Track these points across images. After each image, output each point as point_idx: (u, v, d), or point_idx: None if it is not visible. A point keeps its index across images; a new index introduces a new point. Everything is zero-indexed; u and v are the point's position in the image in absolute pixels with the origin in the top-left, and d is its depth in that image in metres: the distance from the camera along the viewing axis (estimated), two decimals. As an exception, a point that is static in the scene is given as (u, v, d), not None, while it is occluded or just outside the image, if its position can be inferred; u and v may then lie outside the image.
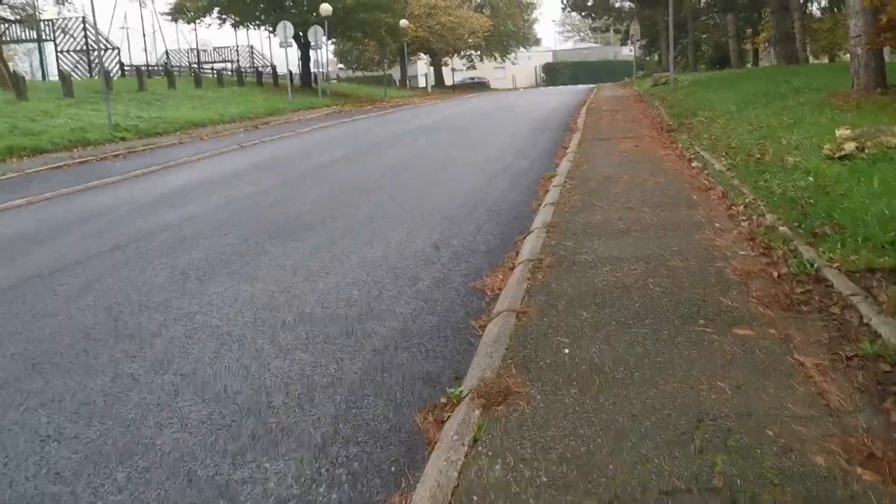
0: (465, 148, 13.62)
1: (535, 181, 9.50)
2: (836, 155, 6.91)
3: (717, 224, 5.95)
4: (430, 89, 63.49)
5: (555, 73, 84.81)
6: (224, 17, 38.20)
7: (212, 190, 10.03)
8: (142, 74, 28.90)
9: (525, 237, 6.32)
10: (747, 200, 6.47)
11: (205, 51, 59.99)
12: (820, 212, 5.41)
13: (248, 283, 5.44)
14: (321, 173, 11.02)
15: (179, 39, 57.21)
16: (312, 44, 34.87)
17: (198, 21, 39.60)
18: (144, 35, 47.81)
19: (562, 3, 51.77)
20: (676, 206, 6.78)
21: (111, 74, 28.43)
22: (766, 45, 49.87)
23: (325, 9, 34.04)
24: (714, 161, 9.01)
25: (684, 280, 4.53)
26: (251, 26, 39.04)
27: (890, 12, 10.78)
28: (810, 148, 8.31)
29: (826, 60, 39.52)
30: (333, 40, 49.38)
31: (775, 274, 4.48)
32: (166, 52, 60.07)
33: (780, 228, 5.35)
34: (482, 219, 7.28)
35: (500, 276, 5.26)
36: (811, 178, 6.64)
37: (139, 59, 56.11)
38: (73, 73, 41.28)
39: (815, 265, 4.44)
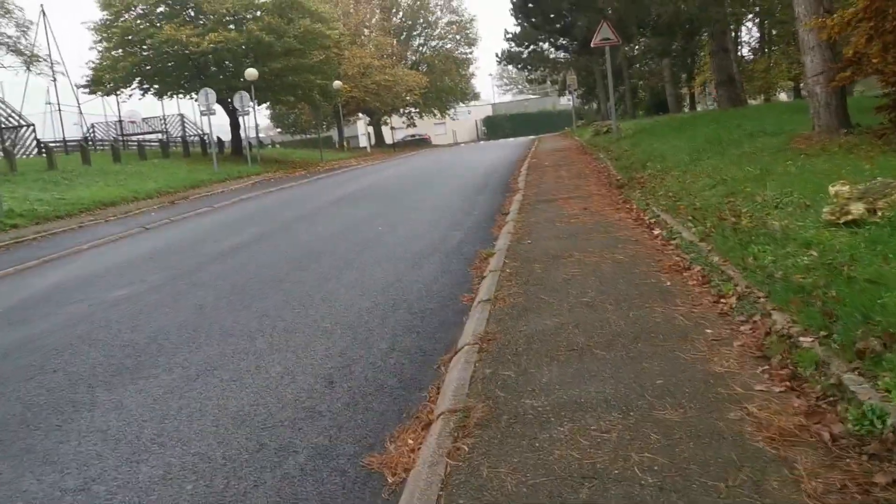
0: (394, 220, 12.01)
1: (469, 261, 7.88)
2: (841, 220, 5.44)
3: (707, 330, 4.36)
4: (369, 149, 62.31)
5: (495, 126, 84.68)
6: (146, 87, 36.41)
7: (77, 294, 8.17)
8: (51, 152, 26.81)
9: (452, 358, 4.64)
10: (739, 289, 4.91)
11: (132, 122, 58.01)
12: (852, 311, 3.86)
13: (31, 473, 3.62)
14: (217, 265, 9.23)
15: (107, 111, 54.59)
16: (239, 110, 33.25)
17: (118, 93, 37.72)
18: (60, 109, 45.40)
19: (497, 56, 51.11)
20: (647, 298, 5.19)
21: (18, 153, 26.34)
22: (702, 88, 50.09)
23: (251, 73, 32.59)
24: (680, 228, 7.52)
25: (687, 456, 2.89)
26: (176, 96, 37.26)
27: (855, 43, 9.64)
28: (795, 207, 6.87)
29: (762, 100, 39.46)
30: (267, 105, 47.85)
31: (826, 435, 2.87)
32: (91, 126, 57.89)
33: (803, 341, 3.77)
34: (399, 328, 5.59)
35: (411, 441, 3.55)
36: (814, 254, 5.14)
37: (70, 135, 53.68)
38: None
39: (888, 419, 2.84)
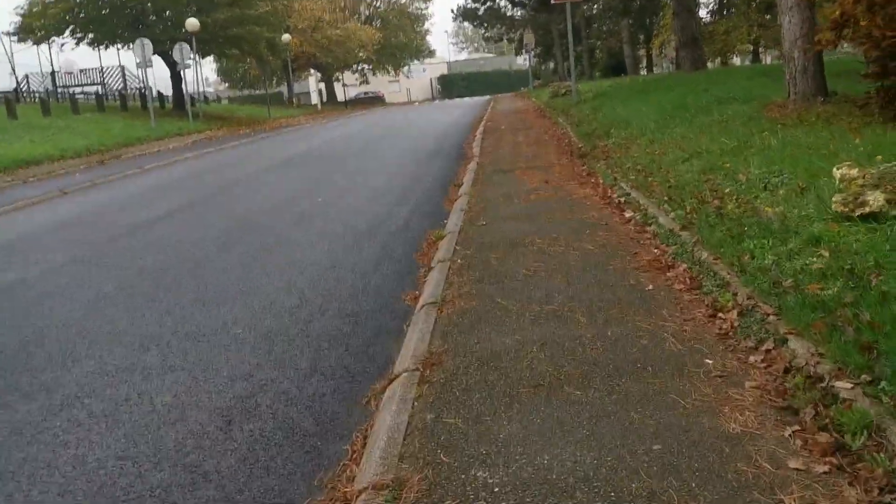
0: (337, 189, 10.90)
1: (415, 244, 6.88)
2: (856, 212, 4.56)
3: (707, 360, 3.45)
4: (320, 107, 60.38)
5: (450, 85, 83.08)
6: (79, 36, 34.13)
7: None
8: (-29, 105, 24.80)
9: (386, 387, 3.66)
10: (740, 300, 4.01)
11: (69, 73, 55.07)
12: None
13: None
14: (131, 241, 8.06)
15: (42, 62, 51.82)
16: (179, 63, 31.38)
17: (49, 41, 35.38)
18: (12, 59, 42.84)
19: (452, 12, 49.58)
20: (627, 308, 4.27)
21: None
22: (660, 50, 49.31)
23: (192, 24, 30.71)
24: (656, 211, 6.61)
25: None
26: (113, 46, 35.06)
27: (842, 2, 8.76)
28: (788, 191, 5.99)
29: (718, 64, 38.81)
30: (212, 58, 45.66)
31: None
32: (25, 77, 54.85)
33: (839, 387, 2.87)
34: (326, 339, 4.57)
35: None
36: (825, 254, 4.25)
37: (3, 86, 50.67)
38: None
39: None
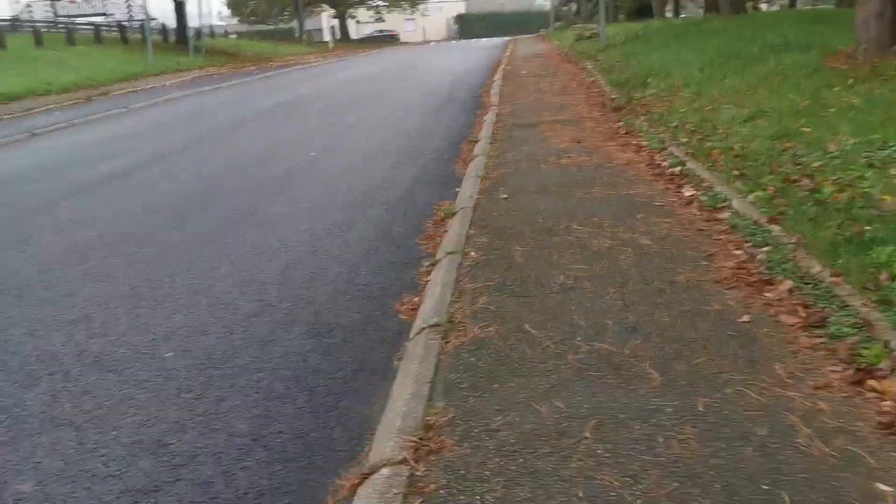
0: (334, 140, 9.49)
1: (419, 223, 5.49)
2: None
3: (881, 488, 2.08)
4: (332, 45, 58.20)
5: (468, 26, 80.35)
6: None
7: None
8: (-44, 32, 23.25)
9: (355, 490, 2.33)
10: (900, 358, 2.62)
11: (73, 3, 53.09)
12: None
13: None
14: (74, 205, 6.72)
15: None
16: (181, -7, 29.56)
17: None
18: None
19: (472, -53, 46.98)
20: (718, 357, 2.90)
21: None
22: (690, -8, 46.75)
23: (195, -49, 28.73)
24: (725, 188, 5.18)
25: None
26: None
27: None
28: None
29: (750, 9, 36.44)
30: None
31: None
32: (28, 5, 53.04)
33: None
34: (281, 383, 3.23)
35: None
36: None
37: (5, 13, 48.94)
38: None
39: None
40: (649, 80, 11.49)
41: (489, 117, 10.27)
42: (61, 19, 46.14)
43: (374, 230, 5.38)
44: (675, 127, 7.84)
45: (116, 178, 7.73)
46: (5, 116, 15.01)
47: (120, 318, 3.94)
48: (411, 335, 3.44)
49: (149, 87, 21.29)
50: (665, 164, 6.36)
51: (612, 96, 11.08)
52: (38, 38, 27.46)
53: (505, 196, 5.74)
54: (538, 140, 8.12)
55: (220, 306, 4.04)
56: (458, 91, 14.65)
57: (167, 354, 3.49)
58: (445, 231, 5.07)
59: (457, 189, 6.36)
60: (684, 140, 7.08)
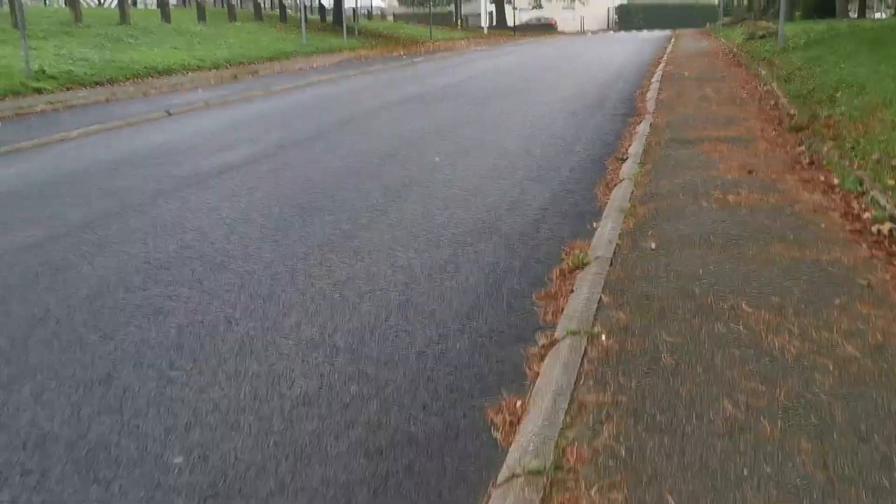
0: (462, 144, 8.53)
1: (538, 277, 4.40)
2: None
3: None
4: (486, 31, 57.41)
5: (628, 17, 77.31)
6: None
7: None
8: (126, 4, 24.12)
9: None
10: None
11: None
12: None
13: None
14: (142, 216, 6.12)
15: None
16: (339, -27, 29.53)
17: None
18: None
19: (641, -65, 44.55)
20: None
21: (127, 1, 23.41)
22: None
23: (355, -68, 28.59)
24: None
25: None
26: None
27: None
28: None
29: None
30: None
31: None
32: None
33: None
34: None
35: None
36: None
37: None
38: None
39: None
40: (838, 94, 9.76)
41: (642, 128, 8.99)
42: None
43: (483, 276, 4.36)
44: (877, 161, 6.30)
45: (224, 174, 7.11)
46: (152, 91, 15.10)
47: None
48: (497, 485, 2.40)
49: (297, 67, 21.17)
50: (867, 216, 4.94)
51: (791, 111, 9.47)
52: (202, 13, 28.18)
53: (654, 246, 4.55)
54: (700, 164, 6.80)
55: (236, 419, 3.16)
56: (610, 92, 13.32)
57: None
58: (572, 291, 3.98)
59: (595, 224, 5.23)
60: (892, 183, 5.59)
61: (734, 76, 14.37)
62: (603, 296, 3.79)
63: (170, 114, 11.93)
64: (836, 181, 5.94)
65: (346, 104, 12.36)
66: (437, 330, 3.64)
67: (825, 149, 7.15)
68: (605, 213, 5.47)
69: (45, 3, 36.51)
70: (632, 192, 5.91)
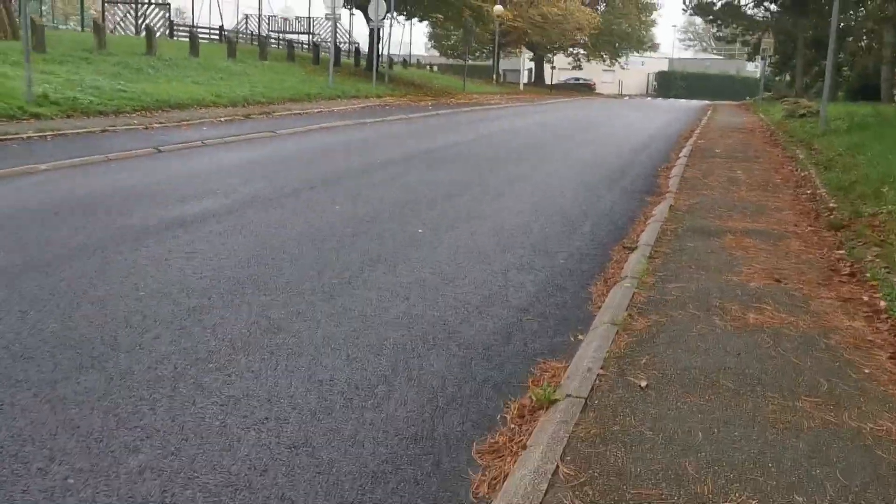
0: (449, 218, 7.57)
1: (487, 416, 3.39)
2: None
3: None
4: (521, 87, 57.18)
5: (668, 84, 77.10)
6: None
7: None
8: (152, 35, 23.84)
9: None
10: None
11: (285, 19, 55.53)
12: None
13: None
14: (108, 258, 5.21)
15: (263, 5, 52.03)
16: (373, 20, 29.21)
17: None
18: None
19: (684, 5, 44.15)
20: None
21: (155, 33, 23.19)
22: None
23: (393, -20, 28.35)
24: None
25: None
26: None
27: None
28: None
29: None
30: (418, 20, 43.65)
31: None
32: (245, 17, 55.95)
33: None
34: None
35: None
36: None
37: (230, 24, 51.99)
38: (118, 27, 37.21)
39: None
40: (885, 189, 8.70)
41: (660, 210, 7.99)
42: (275, 34, 48.16)
43: (418, 407, 3.35)
44: (934, 280, 5.24)
45: (157, 234, 6.20)
46: (155, 126, 14.44)
47: None
48: None
49: (315, 110, 20.57)
50: (927, 363, 3.86)
51: (831, 205, 8.43)
52: (232, 50, 27.89)
53: (644, 384, 3.52)
54: (719, 263, 5.77)
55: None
56: (633, 164, 12.37)
57: None
58: (525, 444, 2.95)
59: (580, 337, 4.22)
60: (955, 315, 4.51)
61: (769, 157, 13.35)
62: (561, 465, 2.76)
63: (160, 151, 11.19)
64: (882, 304, 4.87)
65: (345, 156, 11.52)
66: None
67: (869, 256, 6.09)
68: (593, 324, 4.45)
69: (83, 28, 36.74)
70: (632, 297, 4.89)
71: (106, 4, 36.76)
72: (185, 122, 15.31)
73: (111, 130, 13.22)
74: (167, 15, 35.64)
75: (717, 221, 7.47)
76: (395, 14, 33.17)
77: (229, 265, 5.34)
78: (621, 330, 4.26)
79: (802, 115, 21.81)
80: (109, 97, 16.07)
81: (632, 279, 5.31)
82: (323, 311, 4.51)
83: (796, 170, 11.33)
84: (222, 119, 16.48)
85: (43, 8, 38.75)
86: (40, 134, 11.89)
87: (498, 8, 42.20)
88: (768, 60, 42.32)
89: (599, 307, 4.82)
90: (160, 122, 14.77)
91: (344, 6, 34.13)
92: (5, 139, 11.22)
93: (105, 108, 15.35)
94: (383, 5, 28.55)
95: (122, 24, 37.10)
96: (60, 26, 36.57)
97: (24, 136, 11.65)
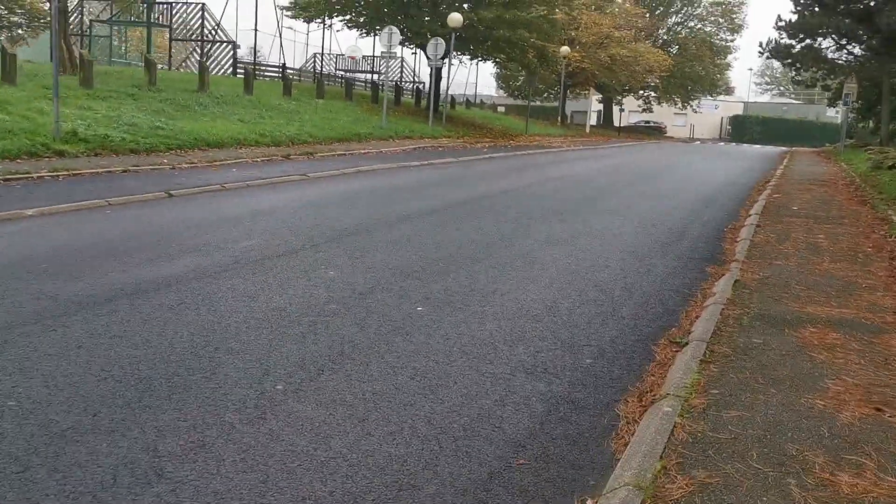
0: (466, 289, 6.31)
1: None
2: None
3: None
4: (588, 129, 55.77)
5: (742, 128, 74.51)
6: (346, 18, 32.66)
7: None
8: (205, 71, 23.49)
9: None
10: None
11: (352, 58, 55.69)
12: None
13: None
14: (37, 339, 4.15)
15: (331, 44, 52.40)
16: (431, 59, 28.46)
17: (317, 20, 34.53)
18: (281, 34, 43.31)
19: (760, 47, 42.19)
20: None
21: (207, 69, 22.86)
22: None
23: (454, 19, 27.64)
24: None
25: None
26: (373, 33, 33.14)
27: None
28: None
29: None
30: (481, 60, 42.90)
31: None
32: (313, 56, 56.36)
33: None
34: None
35: None
36: None
37: (298, 63, 52.61)
38: (184, 64, 37.53)
39: None
40: None
41: (722, 286, 6.57)
42: (341, 73, 48.15)
43: None
44: None
45: (113, 301, 5.12)
46: (183, 165, 13.70)
47: None
48: None
49: (360, 151, 19.70)
50: None
51: (939, 288, 6.84)
52: (287, 87, 27.47)
53: None
54: (796, 374, 4.35)
55: None
56: (695, 222, 10.90)
57: None
58: None
59: (589, 503, 2.89)
60: None
61: (856, 217, 11.69)
62: None
63: (170, 195, 10.31)
64: None
65: (369, 207, 10.39)
66: None
67: None
68: (609, 484, 3.11)
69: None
70: (671, 432, 3.53)
71: (173, 42, 37.17)
72: (217, 162, 14.55)
73: (133, 171, 12.50)
74: (233, 53, 35.72)
75: (793, 305, 6.01)
76: (457, 54, 32.40)
77: (176, 349, 4.19)
78: (649, 496, 2.91)
79: (892, 167, 19.85)
80: (144, 135, 15.47)
81: (675, 398, 3.95)
82: (250, 431, 3.30)
83: (890, 236, 9.69)
84: (259, 159, 15.69)
85: (114, 45, 39.42)
86: (53, 174, 11.19)
87: (564, 49, 41.15)
88: (851, 106, 39.97)
89: (625, 445, 3.48)
90: (190, 163, 14.02)
91: (406, 45, 33.62)
92: (12, 178, 10.53)
93: (137, 146, 14.72)
94: (442, 44, 27.79)
95: (189, 62, 37.42)
96: (132, 63, 36.98)
97: (36, 175, 10.95)
